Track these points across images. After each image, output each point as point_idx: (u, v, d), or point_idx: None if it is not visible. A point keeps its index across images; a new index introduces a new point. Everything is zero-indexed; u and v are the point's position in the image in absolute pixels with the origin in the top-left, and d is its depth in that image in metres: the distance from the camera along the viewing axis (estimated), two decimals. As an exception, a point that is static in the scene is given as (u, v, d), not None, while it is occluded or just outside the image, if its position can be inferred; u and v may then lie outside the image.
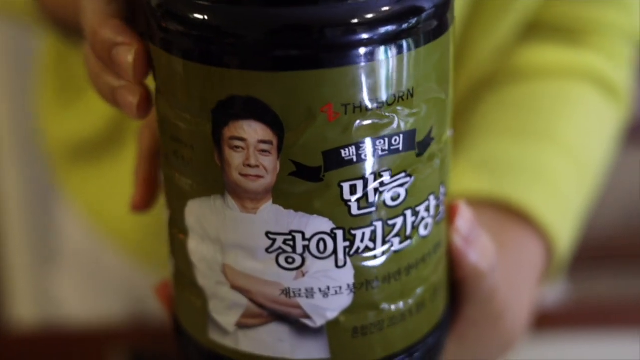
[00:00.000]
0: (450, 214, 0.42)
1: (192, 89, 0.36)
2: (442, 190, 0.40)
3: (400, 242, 0.38)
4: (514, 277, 0.48)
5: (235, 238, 0.38)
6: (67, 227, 0.84)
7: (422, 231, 0.39)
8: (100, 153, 0.76)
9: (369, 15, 0.34)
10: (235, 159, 0.36)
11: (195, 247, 0.39)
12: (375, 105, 0.36)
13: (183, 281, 0.41)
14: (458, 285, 0.44)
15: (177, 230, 0.40)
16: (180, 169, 0.38)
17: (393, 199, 0.38)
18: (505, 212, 0.53)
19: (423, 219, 0.39)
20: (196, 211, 0.38)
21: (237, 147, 0.36)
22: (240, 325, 0.39)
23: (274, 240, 0.37)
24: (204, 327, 0.41)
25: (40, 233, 0.88)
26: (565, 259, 0.57)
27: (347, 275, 0.38)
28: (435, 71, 0.37)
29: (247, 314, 0.39)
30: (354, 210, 0.37)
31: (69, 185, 0.80)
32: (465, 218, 0.42)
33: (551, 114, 0.60)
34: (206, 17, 0.35)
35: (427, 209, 0.39)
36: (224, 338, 0.40)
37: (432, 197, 0.39)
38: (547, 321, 0.70)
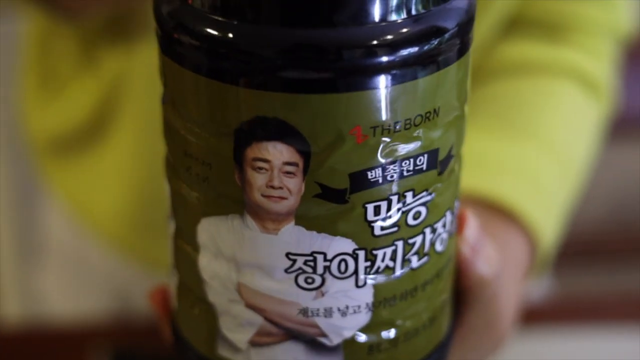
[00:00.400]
0: (458, 224, 0.41)
1: (213, 108, 0.35)
2: (456, 204, 0.40)
3: (419, 260, 0.38)
4: (502, 276, 0.48)
5: (252, 258, 0.37)
6: (52, 223, 0.82)
7: (438, 247, 0.39)
8: (83, 145, 0.74)
9: (400, 38, 0.33)
10: (258, 180, 0.35)
11: (207, 264, 0.38)
12: (403, 126, 0.35)
13: (189, 296, 0.40)
14: (462, 293, 0.44)
15: (185, 244, 0.39)
16: (194, 185, 0.37)
17: (414, 218, 0.37)
18: (489, 210, 0.53)
19: (440, 234, 0.39)
20: (210, 229, 0.37)
21: (261, 168, 0.35)
22: (253, 343, 0.38)
23: (294, 261, 0.36)
24: (213, 343, 0.40)
25: (24, 229, 0.87)
26: (549, 255, 0.57)
27: (366, 295, 0.37)
28: (457, 89, 0.37)
29: (261, 332, 0.38)
30: (377, 231, 0.36)
31: (52, 179, 0.78)
32: (472, 227, 0.42)
33: (532, 110, 0.60)
34: (235, 38, 0.33)
35: (444, 225, 0.39)
36: (235, 355, 0.39)
37: (448, 213, 0.39)
38: (532, 317, 0.69)
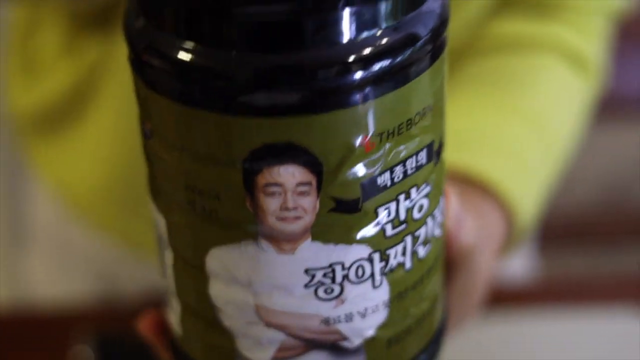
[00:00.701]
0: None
1: (217, 141, 0.34)
2: (444, 187, 0.40)
3: (424, 249, 0.39)
4: (480, 247, 0.50)
5: (270, 279, 0.36)
6: (37, 206, 0.80)
7: (437, 232, 0.40)
8: (64, 123, 0.73)
9: (400, 43, 0.33)
10: (272, 204, 0.34)
11: (220, 291, 0.37)
12: (405, 127, 0.35)
13: (198, 322, 0.39)
14: (447, 265, 0.45)
15: (191, 274, 0.38)
16: (200, 219, 0.36)
17: (419, 211, 0.37)
18: (466, 183, 0.54)
19: (438, 220, 0.39)
20: (221, 257, 0.37)
21: (273, 192, 0.34)
22: (276, 359, 0.38)
23: (313, 276, 0.36)
24: None
25: (10, 213, 0.84)
26: (527, 231, 0.57)
27: (383, 293, 0.38)
28: (443, 80, 0.37)
29: (283, 347, 0.38)
30: (389, 232, 0.37)
31: (35, 158, 0.77)
32: (454, 202, 0.43)
33: (516, 85, 0.60)
34: (237, 70, 0.32)
35: (440, 210, 0.39)
36: None
37: (442, 198, 0.40)
38: (518, 297, 0.70)
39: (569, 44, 0.63)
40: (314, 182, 0.34)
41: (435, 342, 0.42)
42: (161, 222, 0.39)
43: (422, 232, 0.38)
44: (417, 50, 0.34)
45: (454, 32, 0.64)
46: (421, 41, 0.34)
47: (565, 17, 0.64)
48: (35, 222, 0.81)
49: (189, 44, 0.33)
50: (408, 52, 0.34)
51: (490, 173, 0.54)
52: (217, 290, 0.38)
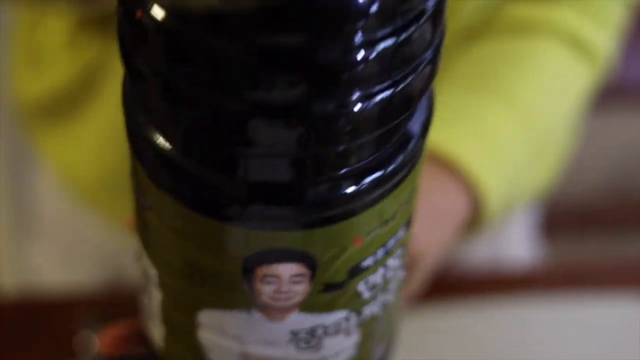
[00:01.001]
0: None
1: (214, 241, 0.36)
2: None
3: (393, 295, 0.43)
4: (432, 223, 0.53)
5: (258, 337, 0.40)
6: (43, 194, 0.80)
7: (403, 274, 0.44)
8: (70, 111, 0.73)
9: (390, 162, 0.36)
10: (267, 289, 0.38)
11: (209, 338, 0.41)
12: (391, 219, 0.38)
13: (184, 348, 0.43)
14: None
15: (179, 316, 0.41)
16: (196, 286, 0.39)
17: (393, 271, 0.41)
18: (435, 161, 0.54)
19: (404, 262, 0.43)
20: (214, 316, 0.40)
21: (270, 281, 0.37)
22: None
23: (297, 334, 0.40)
24: None
25: (17, 201, 0.84)
26: (496, 213, 0.57)
27: (354, 338, 0.42)
28: (420, 171, 0.40)
29: (261, 378, 0.42)
30: (366, 295, 0.40)
31: (42, 147, 0.78)
32: None
33: (508, 68, 0.59)
34: (247, 194, 0.34)
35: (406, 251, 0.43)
36: None
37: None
38: (522, 283, 0.71)
39: (574, 29, 0.62)
40: (308, 274, 0.37)
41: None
42: (152, 270, 0.41)
43: (393, 286, 0.42)
44: (402, 166, 0.37)
45: (467, 15, 0.63)
46: (401, 161, 0.36)
47: (577, 3, 0.63)
48: (41, 211, 0.82)
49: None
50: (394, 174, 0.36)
51: (461, 153, 0.54)
52: (207, 337, 0.41)
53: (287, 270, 0.37)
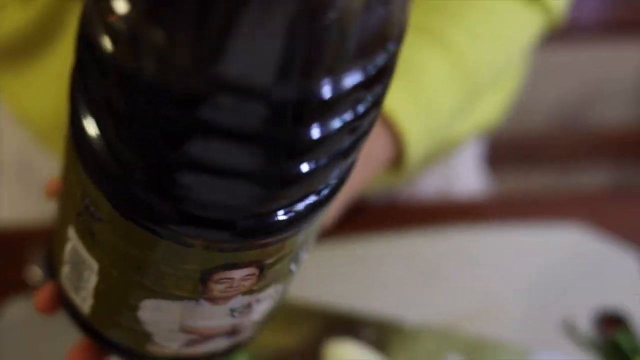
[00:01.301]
0: None
1: (170, 258, 0.38)
2: None
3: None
4: (358, 164, 0.55)
5: (199, 316, 0.43)
6: (2, 133, 0.79)
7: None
8: (29, 54, 0.71)
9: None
10: (220, 287, 0.41)
11: (148, 318, 0.44)
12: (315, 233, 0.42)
13: (118, 317, 0.45)
14: None
15: (118, 302, 0.43)
16: (146, 285, 0.41)
17: (314, 236, 0.45)
18: None
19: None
20: (157, 305, 0.42)
21: (223, 282, 0.40)
22: (185, 346, 0.47)
23: (235, 310, 0.44)
24: (143, 344, 0.47)
25: None
26: (419, 154, 0.59)
27: (277, 296, 0.47)
28: None
29: (193, 340, 0.46)
30: (295, 269, 0.45)
31: (0, 88, 0.75)
32: None
33: (446, 13, 0.59)
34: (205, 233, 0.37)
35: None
36: (165, 350, 0.47)
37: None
38: (469, 212, 0.73)
39: None
40: (257, 272, 0.41)
41: None
42: (89, 259, 0.42)
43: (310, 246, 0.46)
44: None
45: None
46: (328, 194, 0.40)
47: None
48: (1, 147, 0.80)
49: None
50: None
51: (394, 106, 0.56)
52: (146, 317, 0.44)
53: (240, 273, 0.40)
